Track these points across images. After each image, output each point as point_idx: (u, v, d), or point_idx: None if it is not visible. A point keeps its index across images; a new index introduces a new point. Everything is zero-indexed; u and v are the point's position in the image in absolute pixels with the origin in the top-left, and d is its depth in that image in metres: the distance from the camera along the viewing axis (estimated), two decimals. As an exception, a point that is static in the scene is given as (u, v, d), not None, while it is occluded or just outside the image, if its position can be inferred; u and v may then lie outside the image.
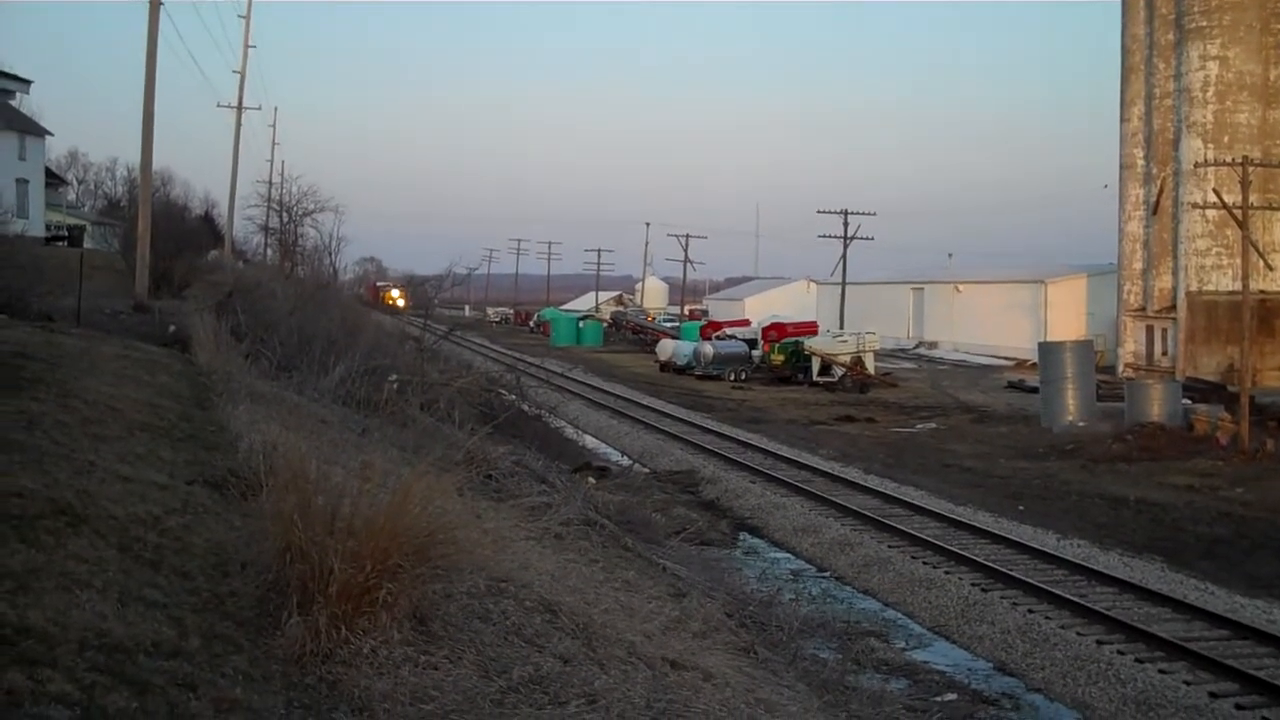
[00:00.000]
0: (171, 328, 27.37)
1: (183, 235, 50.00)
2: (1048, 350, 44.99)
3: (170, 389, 18.00)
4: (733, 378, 61.59)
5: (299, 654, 7.56)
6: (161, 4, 34.91)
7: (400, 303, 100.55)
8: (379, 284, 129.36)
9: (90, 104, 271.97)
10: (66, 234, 68.09)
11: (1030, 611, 19.14)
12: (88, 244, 62.42)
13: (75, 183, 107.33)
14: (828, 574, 23.35)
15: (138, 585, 7.75)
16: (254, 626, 7.85)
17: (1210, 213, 49.28)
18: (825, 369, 59.25)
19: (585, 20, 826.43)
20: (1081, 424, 40.76)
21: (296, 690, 7.20)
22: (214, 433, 14.96)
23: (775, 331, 65.72)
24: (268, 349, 24.93)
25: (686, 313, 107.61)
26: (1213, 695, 15.37)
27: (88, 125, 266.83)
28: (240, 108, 67.15)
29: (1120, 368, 61.65)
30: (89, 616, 6.89)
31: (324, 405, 20.88)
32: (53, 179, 78.92)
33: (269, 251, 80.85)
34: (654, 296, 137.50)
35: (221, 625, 7.65)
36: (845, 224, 77.80)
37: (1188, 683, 15.83)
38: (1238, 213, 37.97)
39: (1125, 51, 63.14)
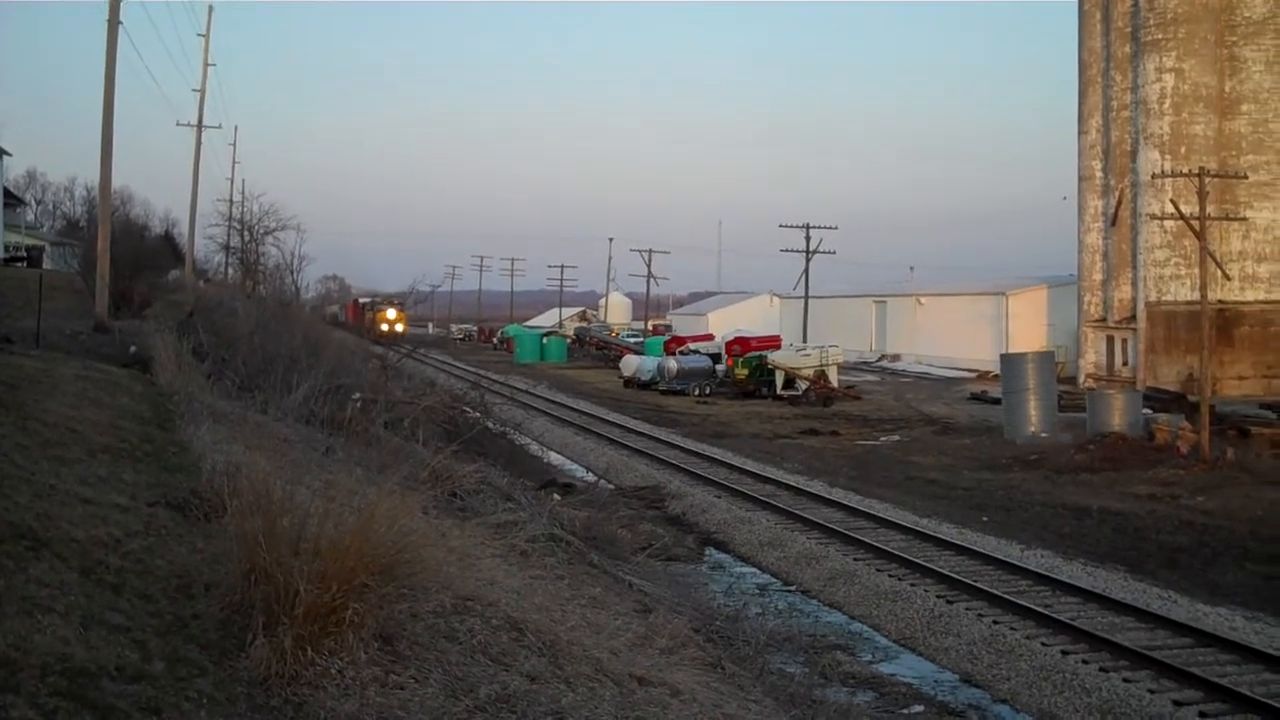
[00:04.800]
0: (132, 348, 27.14)
1: (143, 255, 49.73)
2: (1009, 361, 45.32)
3: (131, 410, 17.85)
4: (697, 392, 61.69)
5: (264, 676, 7.51)
6: (120, 23, 34.79)
7: (399, 327, 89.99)
8: (365, 301, 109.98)
9: (49, 123, 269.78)
10: (25, 255, 67.48)
11: (995, 622, 19.23)
12: (47, 264, 62.02)
13: (34, 203, 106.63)
14: (794, 588, 23.39)
15: (100, 609, 7.68)
16: (218, 649, 7.78)
17: (1168, 224, 49.77)
18: (789, 383, 59.45)
19: (545, 36, 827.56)
20: (1044, 435, 41.09)
21: (262, 713, 7.15)
22: (176, 454, 14.85)
23: (739, 346, 65.96)
24: (230, 368, 24.77)
25: (650, 328, 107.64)
26: (1176, 703, 15.50)
27: (46, 145, 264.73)
28: (200, 126, 66.70)
29: (1081, 378, 62.20)
30: (51, 641, 6.82)
31: (287, 424, 20.75)
32: (11, 199, 78.14)
33: (230, 270, 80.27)
34: (617, 312, 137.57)
35: (185, 648, 7.59)
36: (807, 238, 78.17)
37: (1152, 691, 15.95)
38: (1195, 224, 38.40)
39: (1083, 64, 63.88)
